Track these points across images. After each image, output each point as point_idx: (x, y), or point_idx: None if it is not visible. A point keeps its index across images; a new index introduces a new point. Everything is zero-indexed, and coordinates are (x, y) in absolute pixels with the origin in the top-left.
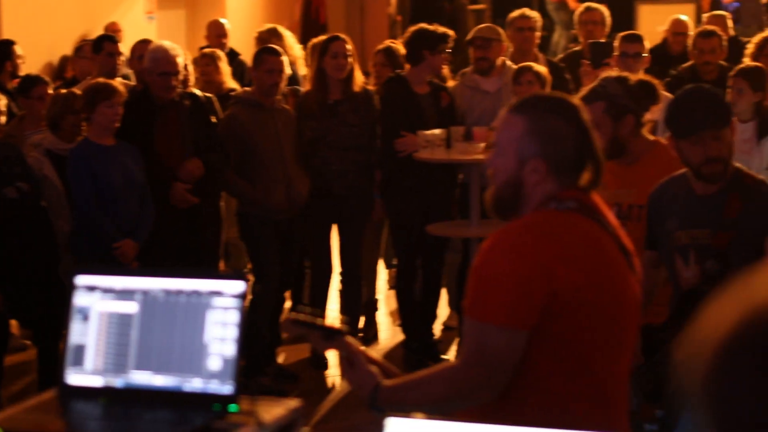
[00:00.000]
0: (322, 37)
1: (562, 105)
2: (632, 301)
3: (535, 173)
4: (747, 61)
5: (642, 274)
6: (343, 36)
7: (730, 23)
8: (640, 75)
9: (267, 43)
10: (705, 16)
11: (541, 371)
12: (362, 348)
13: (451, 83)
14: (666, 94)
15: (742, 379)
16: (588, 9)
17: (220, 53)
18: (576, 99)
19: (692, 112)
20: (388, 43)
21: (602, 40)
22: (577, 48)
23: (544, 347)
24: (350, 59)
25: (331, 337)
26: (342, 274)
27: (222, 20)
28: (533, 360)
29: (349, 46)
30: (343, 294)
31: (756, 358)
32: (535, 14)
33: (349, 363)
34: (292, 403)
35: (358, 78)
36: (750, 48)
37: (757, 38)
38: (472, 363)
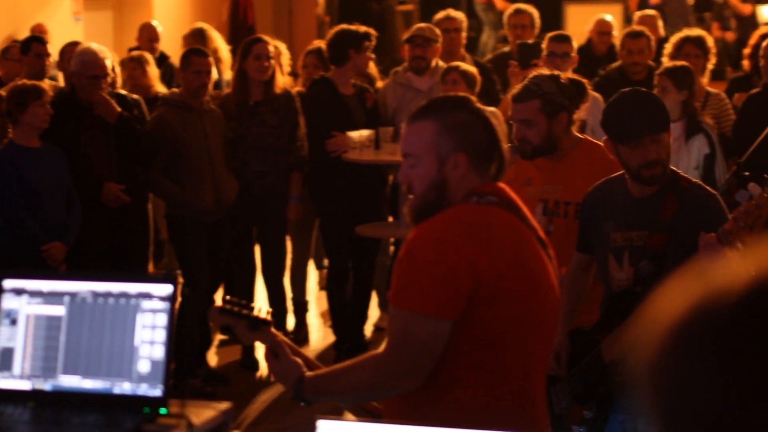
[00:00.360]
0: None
1: (462, 100)
2: (552, 294)
3: (458, 168)
4: (665, 61)
5: (570, 277)
6: (265, 37)
7: (660, 23)
8: (570, 74)
9: (195, 44)
10: (636, 15)
11: (464, 361)
12: (287, 340)
13: (380, 84)
14: (594, 94)
15: (693, 367)
16: (517, 11)
17: (148, 57)
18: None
19: (633, 117)
20: (318, 43)
21: (530, 41)
22: (505, 49)
23: (467, 336)
24: (272, 61)
25: (257, 327)
26: (264, 276)
27: (154, 23)
28: (456, 349)
29: (271, 48)
30: (268, 296)
31: (706, 345)
32: (460, 15)
33: (273, 354)
34: (223, 405)
35: (280, 80)
36: (668, 48)
37: (675, 38)
38: (397, 351)
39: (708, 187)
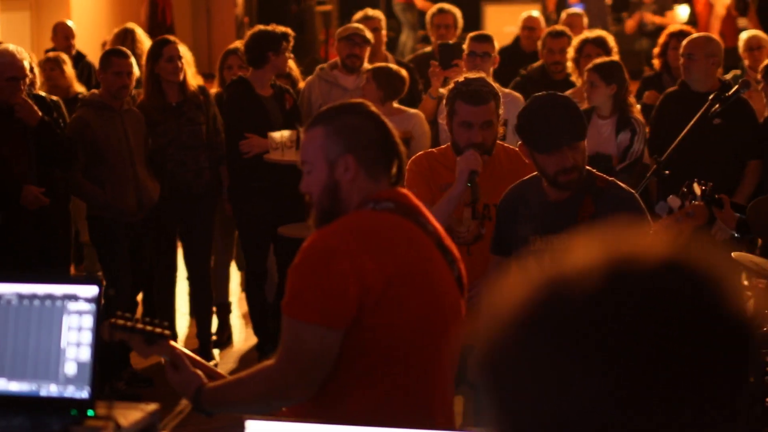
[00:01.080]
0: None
1: (355, 105)
2: (451, 299)
3: (348, 171)
4: (570, 65)
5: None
6: (173, 38)
7: (585, 21)
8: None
9: (122, 45)
10: (563, 14)
11: (355, 369)
12: (187, 351)
13: (302, 85)
14: (515, 94)
15: (537, 359)
16: (440, 11)
17: (65, 57)
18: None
19: (550, 126)
20: (239, 44)
21: (451, 42)
22: (426, 49)
23: (357, 344)
24: (183, 60)
25: (154, 341)
26: (191, 277)
27: (68, 22)
28: (347, 357)
29: (182, 49)
30: (193, 297)
31: (547, 333)
32: (378, 14)
33: (173, 366)
34: (150, 407)
35: (191, 80)
36: (570, 51)
37: (575, 41)
38: (287, 361)
39: (625, 186)
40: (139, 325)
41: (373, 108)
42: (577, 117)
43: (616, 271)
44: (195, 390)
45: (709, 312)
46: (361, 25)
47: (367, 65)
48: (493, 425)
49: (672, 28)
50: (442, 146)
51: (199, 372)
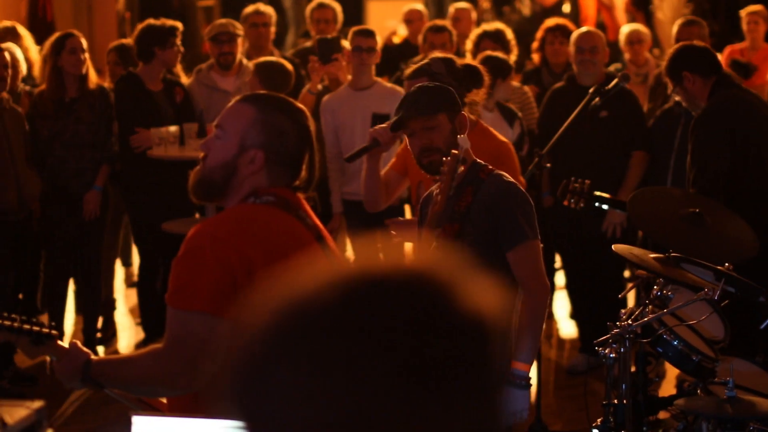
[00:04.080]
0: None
1: (289, 105)
2: None
3: (251, 164)
4: (468, 57)
5: None
6: (76, 32)
7: (474, 15)
8: (467, 60)
9: (3, 42)
10: (451, 8)
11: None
12: (75, 343)
13: (185, 80)
14: (397, 88)
15: (273, 375)
16: (320, 6)
17: None
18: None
19: (403, 104)
20: (120, 40)
21: (330, 36)
22: (307, 44)
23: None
24: (86, 55)
25: (41, 341)
26: (79, 274)
27: None
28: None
29: (84, 42)
30: (81, 295)
31: (286, 349)
32: (269, 10)
33: (59, 363)
34: (35, 404)
35: (93, 75)
36: (468, 44)
37: (473, 34)
38: (174, 350)
39: (507, 176)
40: (26, 326)
41: (309, 119)
42: (428, 93)
43: (353, 284)
44: (83, 362)
45: (445, 318)
46: (226, 21)
47: (246, 61)
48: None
49: (549, 23)
50: None
51: (87, 349)
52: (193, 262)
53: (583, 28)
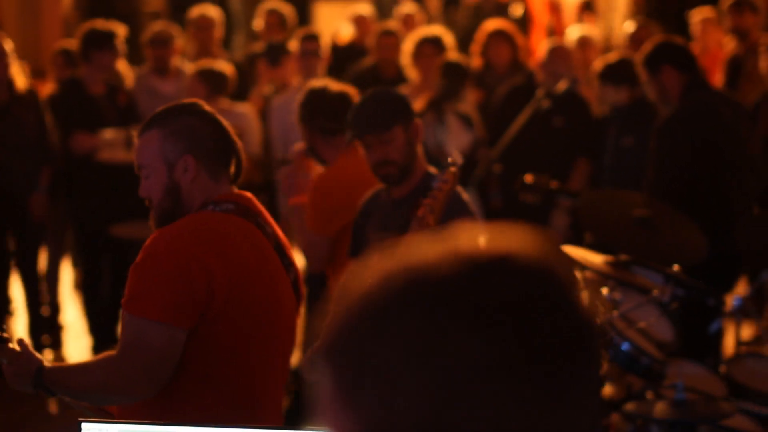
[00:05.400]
0: None
1: (188, 106)
2: (286, 301)
3: (188, 171)
4: (407, 60)
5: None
6: None
7: (420, 17)
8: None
9: None
10: (401, 11)
11: (191, 373)
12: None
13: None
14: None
15: (389, 346)
16: (270, 11)
17: None
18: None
19: (357, 117)
20: (65, 42)
21: (278, 40)
22: (256, 47)
23: (196, 348)
24: (10, 58)
25: None
26: (22, 277)
27: None
28: (190, 358)
29: (9, 45)
30: (24, 297)
31: (406, 319)
32: (215, 13)
33: (11, 365)
34: None
35: (19, 77)
36: (407, 47)
37: (413, 39)
38: (129, 358)
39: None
40: None
41: (207, 107)
42: (382, 106)
43: (475, 261)
44: (36, 369)
45: (564, 307)
46: (162, 25)
47: (186, 64)
48: (331, 415)
49: (489, 26)
50: None
51: (39, 355)
52: (151, 270)
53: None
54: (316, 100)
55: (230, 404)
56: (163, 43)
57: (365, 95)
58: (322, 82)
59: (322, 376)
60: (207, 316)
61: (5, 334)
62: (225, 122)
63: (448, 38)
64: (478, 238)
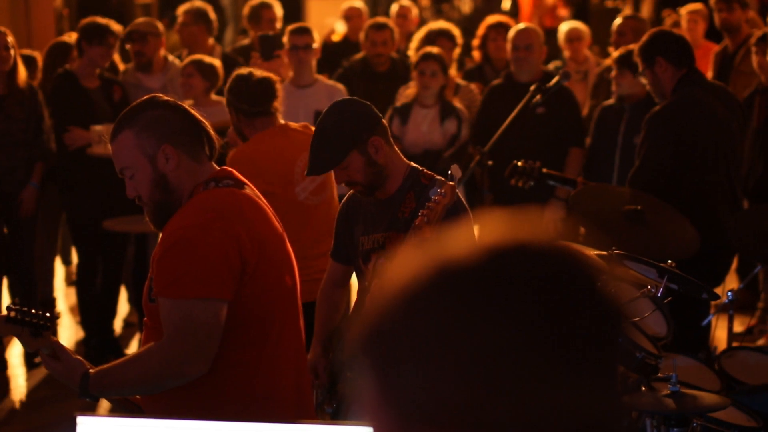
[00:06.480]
0: None
1: (149, 100)
2: (292, 259)
3: (170, 159)
4: (412, 54)
5: (321, 290)
6: (2, 28)
7: (415, 12)
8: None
9: None
10: (394, 5)
11: (233, 341)
12: (69, 352)
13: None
14: (339, 86)
15: (423, 333)
16: (262, 5)
17: None
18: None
19: (311, 157)
20: (59, 38)
21: (271, 33)
22: (245, 41)
23: (236, 316)
24: (12, 51)
25: (39, 333)
26: (15, 273)
27: None
28: (227, 330)
29: (10, 39)
30: (16, 293)
31: (438, 307)
32: (206, 6)
33: (52, 357)
34: None
35: (22, 72)
36: (414, 42)
37: (422, 32)
38: (180, 339)
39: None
40: (28, 318)
41: (165, 96)
42: (327, 145)
43: (501, 250)
44: (81, 375)
45: (589, 290)
46: (143, 19)
47: (174, 60)
48: (372, 406)
49: (490, 20)
50: None
51: (81, 358)
52: (183, 252)
53: (520, 25)
54: (240, 86)
55: (265, 368)
56: (140, 38)
57: (317, 127)
58: (247, 69)
59: (360, 370)
60: (241, 284)
61: (49, 323)
62: (183, 104)
63: (455, 31)
64: (497, 230)
